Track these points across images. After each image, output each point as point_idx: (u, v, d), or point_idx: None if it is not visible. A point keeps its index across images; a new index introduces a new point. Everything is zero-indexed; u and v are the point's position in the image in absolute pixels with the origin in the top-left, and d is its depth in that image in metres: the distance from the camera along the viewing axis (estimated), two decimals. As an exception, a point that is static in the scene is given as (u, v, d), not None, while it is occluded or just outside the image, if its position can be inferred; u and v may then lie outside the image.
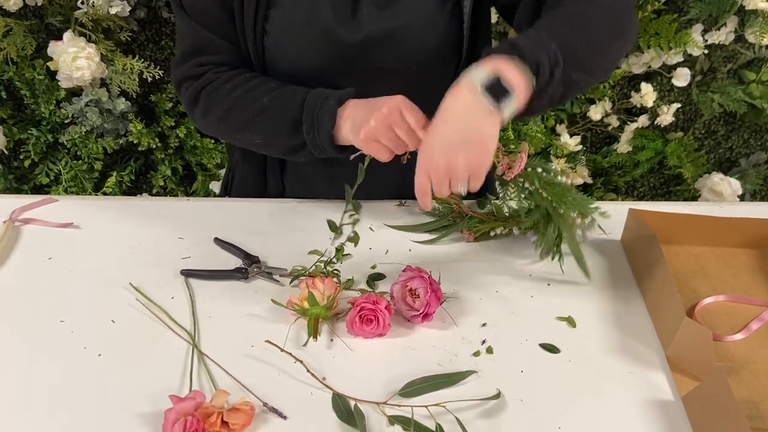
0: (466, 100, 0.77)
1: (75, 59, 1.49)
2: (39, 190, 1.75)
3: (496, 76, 0.75)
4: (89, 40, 1.54)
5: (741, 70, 1.78)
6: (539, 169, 0.89)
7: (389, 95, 0.86)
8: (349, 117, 0.87)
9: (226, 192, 1.21)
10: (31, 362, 0.78)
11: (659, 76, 1.77)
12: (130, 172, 1.78)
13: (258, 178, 1.12)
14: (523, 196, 0.92)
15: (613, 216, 1.05)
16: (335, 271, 0.92)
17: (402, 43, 0.95)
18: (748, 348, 0.84)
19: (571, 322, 0.86)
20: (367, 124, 0.83)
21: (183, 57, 0.98)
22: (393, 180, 1.05)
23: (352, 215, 1.00)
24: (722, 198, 1.82)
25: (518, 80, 0.75)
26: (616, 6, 0.85)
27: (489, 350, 0.82)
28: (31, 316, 0.84)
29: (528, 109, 0.80)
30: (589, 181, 1.91)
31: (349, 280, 0.91)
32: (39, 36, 1.58)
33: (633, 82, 1.80)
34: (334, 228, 0.98)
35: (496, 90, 0.75)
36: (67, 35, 1.51)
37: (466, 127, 0.77)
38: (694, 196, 1.91)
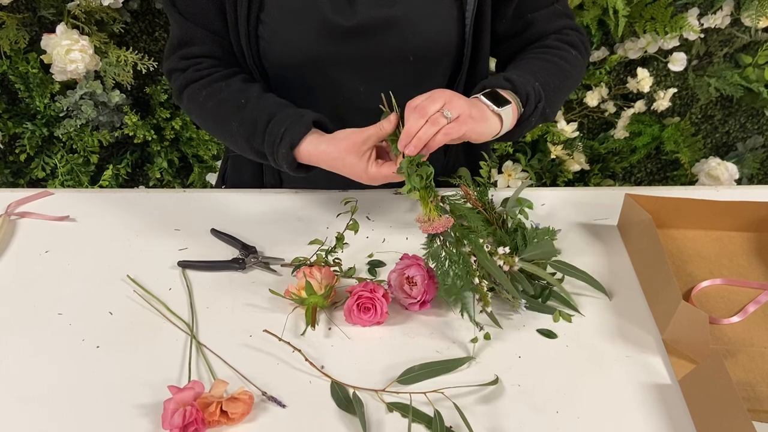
0: (472, 100, 0.88)
1: (68, 52, 1.49)
2: (35, 184, 1.75)
3: (494, 92, 0.89)
4: (82, 33, 1.53)
5: (737, 53, 1.78)
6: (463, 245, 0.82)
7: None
8: (316, 161, 0.89)
9: (223, 182, 1.21)
10: (30, 355, 0.78)
11: (655, 61, 1.77)
12: (126, 165, 1.77)
13: (254, 169, 1.12)
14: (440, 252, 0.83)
15: (609, 201, 1.06)
16: (337, 260, 0.92)
17: (399, 32, 0.94)
18: (744, 330, 0.84)
19: (565, 317, 0.85)
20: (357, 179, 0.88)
21: (171, 49, 1.00)
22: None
23: (348, 203, 1.00)
24: (719, 183, 1.82)
25: (511, 101, 0.89)
26: (578, 68, 1.03)
27: (486, 336, 0.82)
28: (29, 309, 0.85)
29: (511, 132, 0.93)
30: (587, 167, 1.91)
31: (350, 268, 0.91)
32: (32, 29, 1.57)
33: (629, 67, 1.80)
34: (341, 238, 0.96)
35: (496, 98, 0.88)
36: (60, 28, 1.50)
37: (474, 104, 0.87)
38: (691, 181, 1.91)
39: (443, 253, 0.82)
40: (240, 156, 1.13)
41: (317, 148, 0.88)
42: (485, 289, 0.80)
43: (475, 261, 0.81)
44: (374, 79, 0.96)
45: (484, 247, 0.82)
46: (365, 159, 0.86)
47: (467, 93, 0.94)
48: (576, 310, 0.86)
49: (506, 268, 0.83)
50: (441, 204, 0.84)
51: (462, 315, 0.83)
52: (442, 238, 0.83)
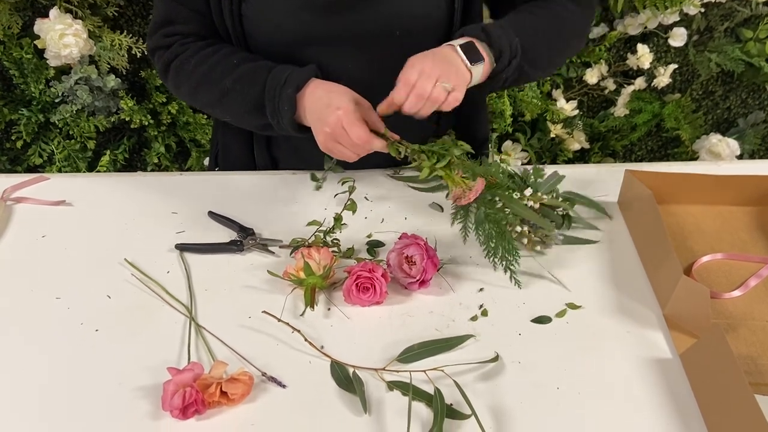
0: (445, 50, 0.88)
1: (62, 36, 1.47)
2: (33, 170, 1.74)
3: (471, 44, 0.88)
4: (76, 17, 1.52)
5: (738, 28, 1.75)
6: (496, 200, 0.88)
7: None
8: (312, 96, 0.89)
9: (216, 165, 1.20)
10: (29, 340, 0.78)
11: (656, 37, 1.75)
12: (123, 150, 1.77)
13: (244, 150, 1.11)
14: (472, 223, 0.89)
15: (609, 178, 1.05)
16: (335, 241, 0.91)
17: (384, 6, 0.93)
18: (746, 304, 0.83)
19: (570, 306, 0.85)
20: (318, 135, 0.88)
21: (154, 27, 0.99)
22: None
23: (345, 182, 0.99)
24: (720, 159, 1.81)
25: (485, 57, 0.88)
26: (577, 25, 1.02)
27: (484, 313, 0.82)
28: (27, 294, 0.84)
29: (482, 86, 0.92)
30: (586, 146, 1.90)
31: (349, 248, 0.90)
32: (25, 14, 1.55)
33: (629, 43, 1.78)
34: (315, 179, 0.98)
35: (471, 53, 0.88)
36: (54, 12, 1.48)
37: (446, 59, 0.87)
38: (692, 158, 1.90)
39: (482, 215, 0.86)
40: (228, 137, 1.12)
41: (325, 83, 0.89)
42: (527, 231, 0.90)
43: (508, 212, 0.86)
44: (361, 55, 0.95)
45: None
46: (357, 110, 0.86)
47: None
48: (603, 212, 0.97)
49: (536, 206, 0.90)
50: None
51: (506, 273, 0.86)
52: (474, 203, 0.86)
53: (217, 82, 0.94)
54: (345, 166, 1.02)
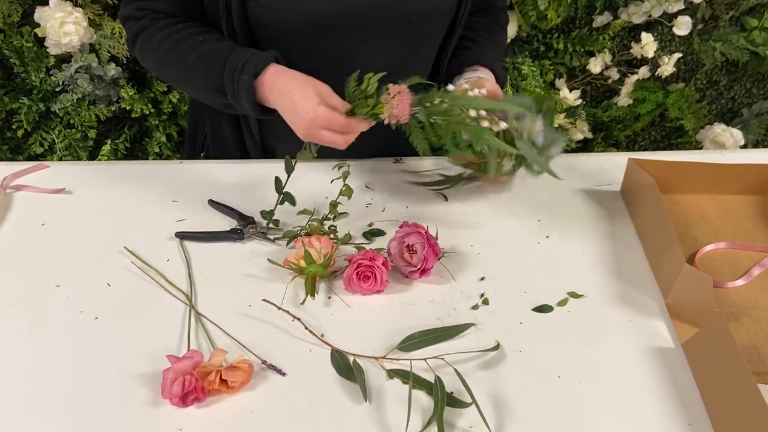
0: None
1: (62, 24, 1.46)
2: (34, 160, 1.73)
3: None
4: (76, 5, 1.51)
5: (743, 16, 1.74)
6: (428, 103, 0.85)
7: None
8: (272, 90, 0.87)
9: (201, 147, 1.18)
10: (28, 328, 0.78)
11: (660, 26, 1.74)
12: (124, 139, 1.76)
13: (234, 132, 1.09)
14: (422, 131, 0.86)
15: (611, 167, 1.04)
16: (332, 227, 0.91)
17: None
18: (749, 294, 0.83)
19: (572, 295, 0.84)
20: (298, 133, 0.87)
21: None
22: (384, 137, 1.03)
23: (340, 168, 0.99)
24: (724, 149, 1.80)
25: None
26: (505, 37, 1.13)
27: (485, 302, 0.81)
28: (26, 282, 0.84)
29: None
30: (589, 135, 1.89)
31: (346, 234, 0.90)
32: (25, 2, 1.54)
33: (633, 32, 1.76)
34: (279, 186, 0.93)
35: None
36: (54, 0, 1.47)
37: None
38: (696, 148, 1.89)
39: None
40: (217, 123, 1.10)
41: (283, 72, 0.87)
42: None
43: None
44: (374, 39, 0.94)
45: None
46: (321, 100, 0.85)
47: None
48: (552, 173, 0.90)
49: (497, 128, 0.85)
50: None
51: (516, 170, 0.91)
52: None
53: (182, 58, 0.92)
54: (343, 155, 1.01)
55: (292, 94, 0.85)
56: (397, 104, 0.82)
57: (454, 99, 0.84)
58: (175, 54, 0.93)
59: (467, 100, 0.83)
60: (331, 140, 0.86)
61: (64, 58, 1.61)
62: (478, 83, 0.90)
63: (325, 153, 1.04)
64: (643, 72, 1.79)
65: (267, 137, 1.09)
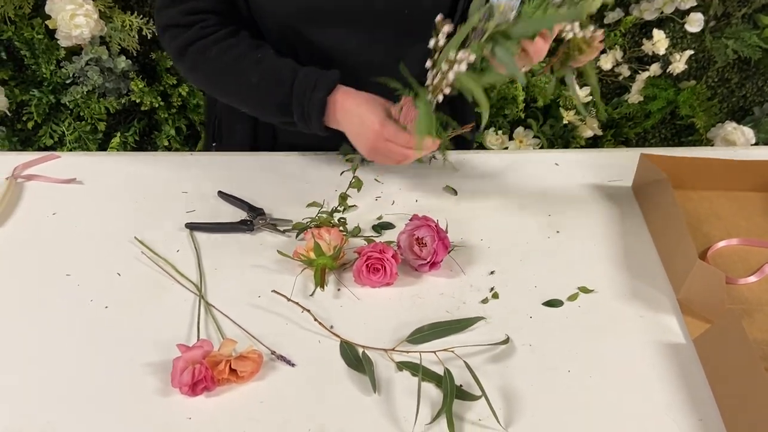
0: None
1: (73, 17, 1.47)
2: (44, 152, 1.74)
3: None
4: (87, -3, 1.51)
5: (756, 14, 1.72)
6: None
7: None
8: (342, 107, 0.89)
9: (213, 139, 1.18)
10: (39, 316, 0.78)
11: (672, 22, 1.72)
12: (134, 132, 1.76)
13: (245, 125, 1.09)
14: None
15: (623, 162, 1.04)
16: (341, 220, 0.91)
17: None
18: (762, 290, 0.82)
19: (582, 290, 0.84)
20: (362, 149, 0.90)
21: (168, 2, 0.94)
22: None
23: (349, 160, 0.98)
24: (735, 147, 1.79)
25: None
26: None
27: (495, 296, 0.81)
28: (37, 271, 0.84)
29: None
30: (599, 133, 1.88)
31: (356, 227, 0.90)
32: (36, -6, 1.55)
33: (644, 29, 1.75)
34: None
35: None
36: (64, -8, 1.47)
37: None
38: (707, 146, 1.87)
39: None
40: (233, 112, 1.10)
41: (352, 90, 0.90)
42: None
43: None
44: (365, 33, 0.94)
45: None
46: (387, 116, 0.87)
47: None
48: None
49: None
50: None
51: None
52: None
53: (240, 75, 0.92)
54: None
55: (361, 108, 0.88)
56: (406, 113, 0.84)
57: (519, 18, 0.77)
58: (235, 69, 0.93)
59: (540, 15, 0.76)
60: (397, 152, 0.88)
61: (75, 51, 1.61)
62: None
63: (325, 144, 1.04)
64: (655, 69, 1.77)
65: (279, 131, 1.09)
